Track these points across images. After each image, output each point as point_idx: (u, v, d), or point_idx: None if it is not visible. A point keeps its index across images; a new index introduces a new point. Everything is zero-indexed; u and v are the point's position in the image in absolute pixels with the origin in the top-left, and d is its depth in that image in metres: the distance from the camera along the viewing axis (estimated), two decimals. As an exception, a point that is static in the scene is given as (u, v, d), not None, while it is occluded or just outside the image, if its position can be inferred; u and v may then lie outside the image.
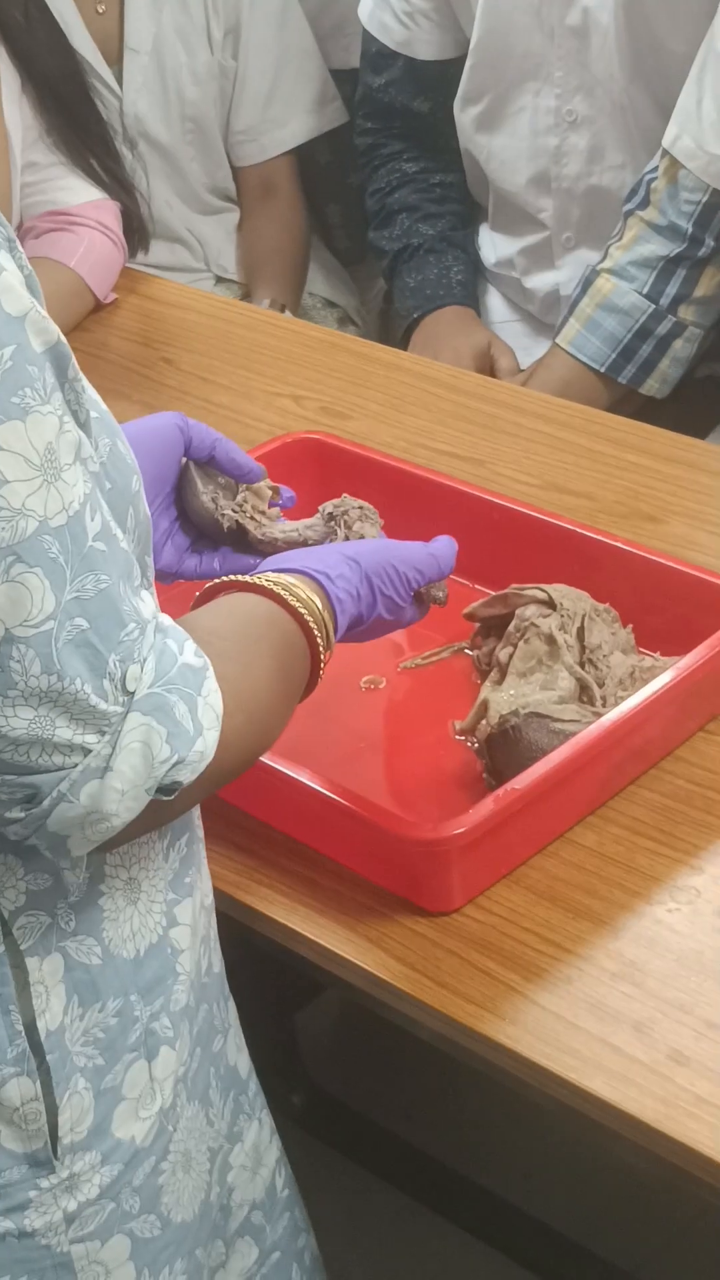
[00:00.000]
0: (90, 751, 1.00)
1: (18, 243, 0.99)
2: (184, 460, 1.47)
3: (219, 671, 1.07)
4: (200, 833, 1.24)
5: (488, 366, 2.48)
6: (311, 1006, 2.51)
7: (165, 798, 1.04)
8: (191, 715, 1.03)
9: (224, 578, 1.24)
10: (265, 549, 1.48)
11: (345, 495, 1.53)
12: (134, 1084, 1.16)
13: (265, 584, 1.21)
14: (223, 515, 1.46)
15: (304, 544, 1.49)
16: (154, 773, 1.02)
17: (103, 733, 1.00)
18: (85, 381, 1.04)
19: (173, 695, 1.02)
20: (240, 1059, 1.33)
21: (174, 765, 1.02)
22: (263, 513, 1.50)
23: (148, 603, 1.05)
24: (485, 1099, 2.41)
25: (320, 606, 1.23)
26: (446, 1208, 2.26)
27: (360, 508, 1.52)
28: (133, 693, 1.01)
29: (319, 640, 1.21)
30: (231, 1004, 1.32)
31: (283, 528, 1.50)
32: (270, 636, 1.18)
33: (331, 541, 1.49)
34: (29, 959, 1.09)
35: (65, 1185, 1.14)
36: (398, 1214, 2.27)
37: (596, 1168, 2.32)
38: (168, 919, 1.17)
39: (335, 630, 1.25)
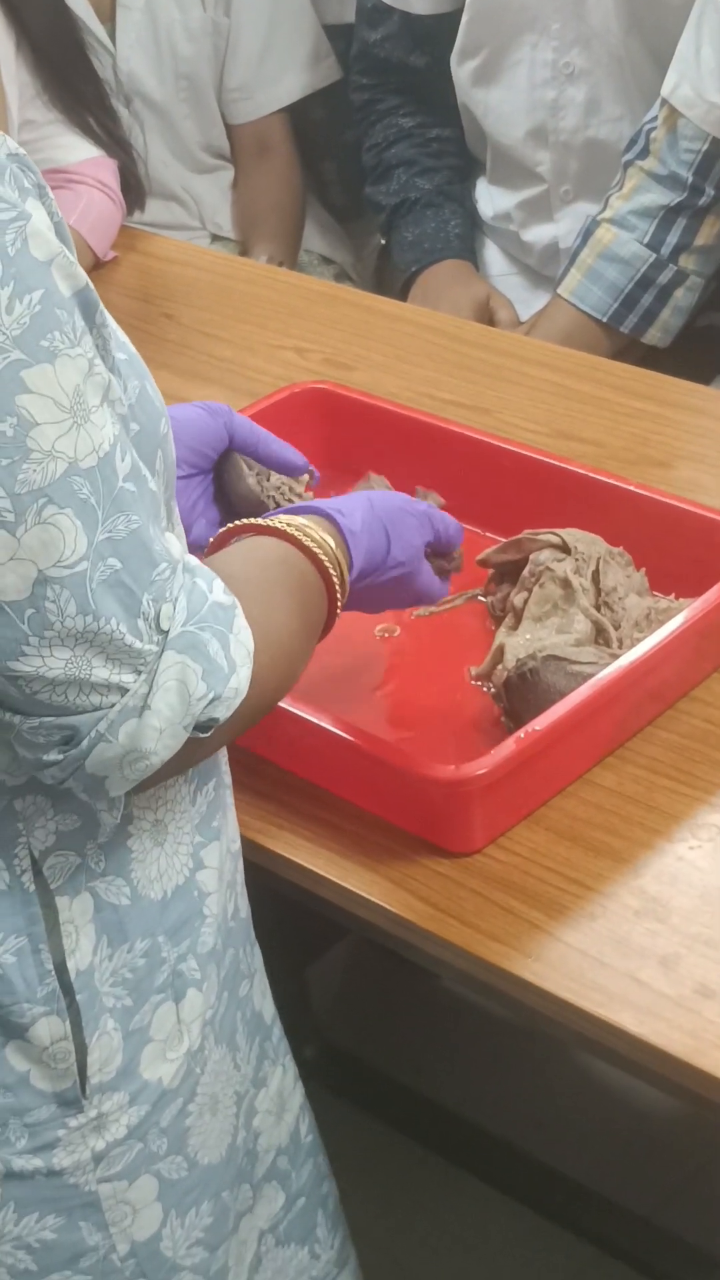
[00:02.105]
0: (127, 691, 1.01)
1: (48, 190, 0.99)
2: (230, 449, 1.53)
3: (245, 611, 1.07)
4: (228, 779, 1.25)
5: (486, 319, 2.48)
6: (320, 962, 2.52)
7: (202, 735, 1.04)
8: (225, 652, 1.04)
9: (237, 521, 1.25)
10: None
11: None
12: (161, 1025, 1.17)
13: (279, 525, 1.21)
14: (269, 498, 1.54)
15: None
16: (191, 709, 1.02)
17: (139, 672, 1.01)
18: (114, 325, 1.04)
19: (206, 633, 1.03)
20: (265, 1004, 1.34)
21: (210, 702, 1.03)
22: (300, 495, 1.57)
23: (174, 544, 1.05)
24: (495, 1051, 2.44)
25: (334, 545, 1.24)
26: (460, 1157, 2.28)
27: None
28: (167, 631, 1.02)
29: (334, 577, 1.22)
30: (257, 949, 1.33)
31: None
32: (287, 576, 1.19)
33: None
34: (59, 898, 1.10)
35: (93, 1125, 1.15)
36: (411, 1164, 2.29)
37: (608, 1116, 2.34)
38: (194, 862, 1.18)
39: (351, 566, 1.27)
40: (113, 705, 1.01)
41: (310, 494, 1.57)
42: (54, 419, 0.96)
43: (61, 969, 1.11)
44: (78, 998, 1.12)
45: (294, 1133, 1.37)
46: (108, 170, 2.41)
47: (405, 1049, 2.46)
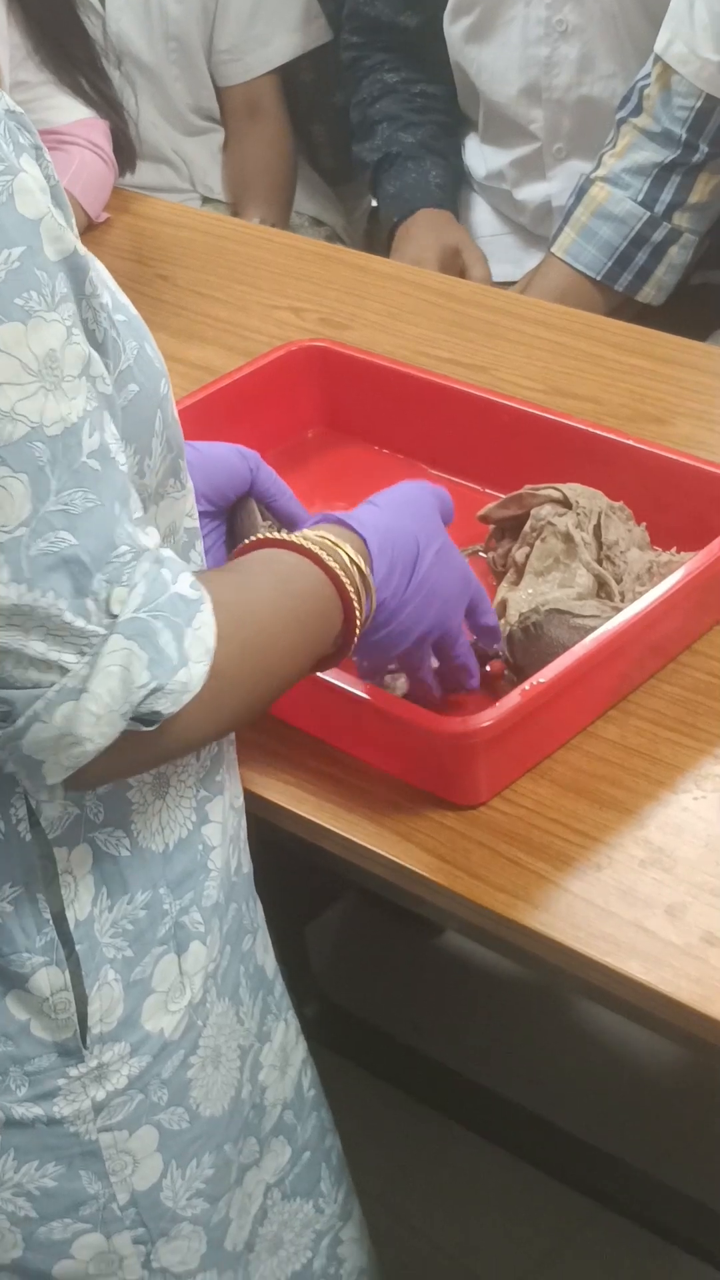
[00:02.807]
0: (68, 671, 0.99)
1: (45, 152, 0.98)
2: (246, 495, 1.49)
3: (225, 616, 1.05)
4: (232, 734, 1.25)
5: (455, 269, 2.47)
6: (319, 921, 2.53)
7: (144, 728, 1.02)
8: (177, 644, 1.01)
9: (263, 535, 1.22)
10: None
11: None
12: (164, 977, 1.18)
13: (302, 543, 1.18)
14: None
15: None
16: (130, 698, 1.00)
17: (82, 653, 0.99)
18: (113, 290, 1.03)
19: (159, 622, 1.01)
20: (267, 960, 1.35)
21: (152, 692, 1.01)
22: None
23: (151, 535, 1.03)
24: (493, 1008, 2.45)
25: (360, 568, 1.20)
26: (459, 1112, 2.29)
27: None
28: (116, 615, 1.00)
29: (353, 598, 1.18)
30: (259, 905, 1.33)
31: None
32: (294, 591, 1.16)
33: None
34: (56, 849, 1.10)
35: (94, 1075, 1.16)
36: (410, 1120, 2.30)
37: (606, 1072, 2.36)
38: (198, 815, 1.18)
39: (375, 588, 1.22)
40: (51, 684, 0.99)
41: None
42: (18, 380, 0.94)
43: (60, 919, 1.11)
44: (77, 948, 1.12)
45: (298, 1087, 1.38)
46: (99, 131, 2.41)
47: (404, 1007, 2.48)
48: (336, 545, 1.18)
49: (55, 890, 1.11)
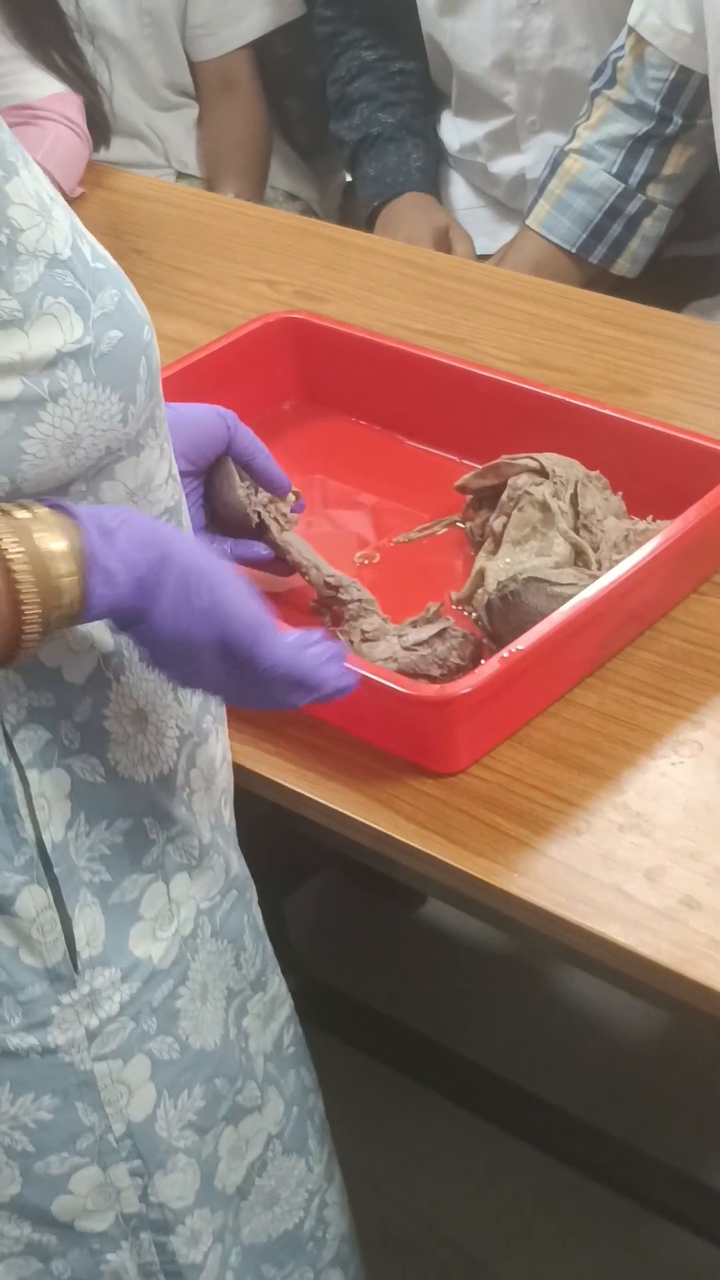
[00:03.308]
0: None
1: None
2: (224, 456, 1.49)
3: None
4: None
5: (445, 250, 2.48)
6: (297, 895, 2.54)
7: None
8: None
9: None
10: (279, 550, 1.54)
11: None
12: (151, 904, 1.18)
13: None
14: (255, 512, 1.53)
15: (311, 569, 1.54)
16: None
17: None
18: (92, 242, 1.04)
19: None
20: (259, 915, 1.35)
21: None
22: (285, 515, 1.56)
23: None
24: (471, 980, 2.46)
25: (61, 568, 0.99)
26: (438, 1084, 2.30)
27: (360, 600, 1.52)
28: None
29: (25, 598, 0.98)
30: (244, 861, 1.34)
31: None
32: None
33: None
34: (29, 771, 1.09)
35: (86, 1001, 1.16)
36: (390, 1092, 2.31)
37: (585, 1042, 2.37)
38: (183, 757, 1.18)
39: (88, 598, 1.01)
40: None
41: (297, 517, 1.57)
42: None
43: (39, 840, 1.11)
44: (55, 870, 1.12)
45: (277, 1041, 1.39)
46: (73, 106, 2.41)
47: (383, 979, 2.49)
48: (31, 529, 1.00)
49: (32, 811, 1.11)
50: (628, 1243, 2.14)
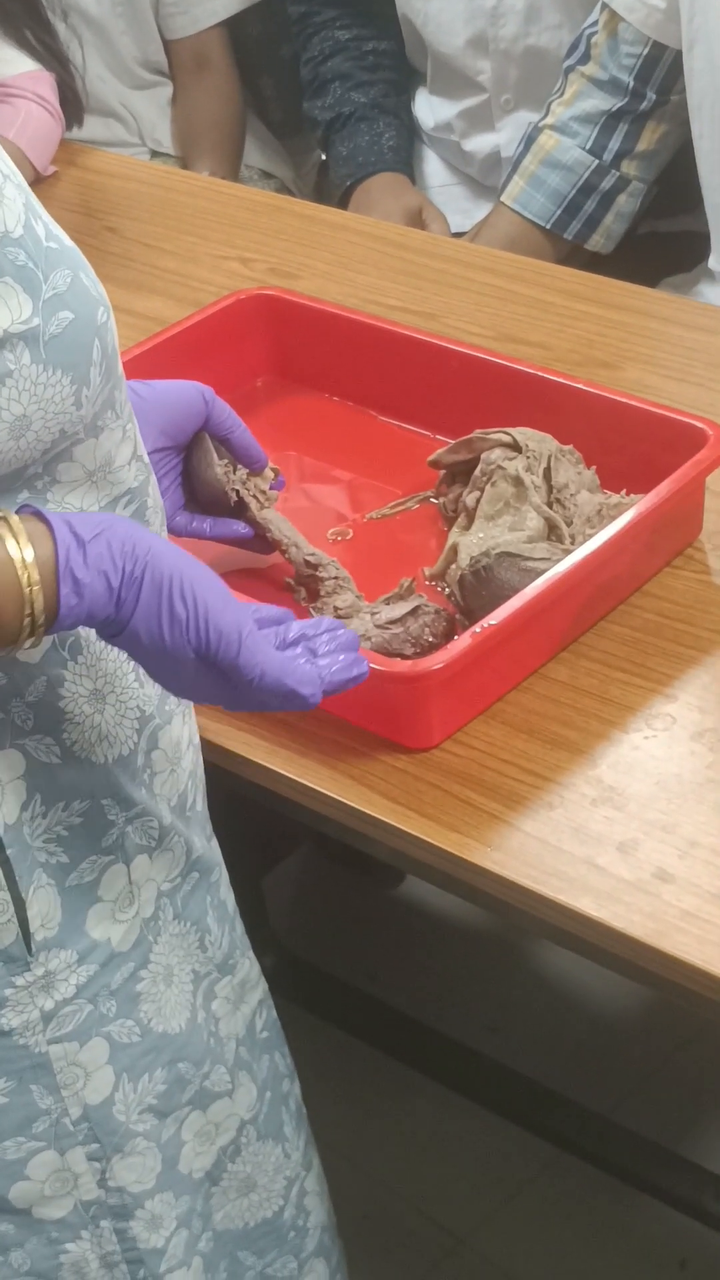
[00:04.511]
0: None
1: None
2: (201, 432, 1.48)
3: None
4: None
5: (419, 228, 2.48)
6: (274, 874, 2.54)
7: None
8: None
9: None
10: (258, 528, 1.53)
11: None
12: (111, 886, 1.18)
13: None
14: (233, 489, 1.52)
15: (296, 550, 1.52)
16: None
17: None
18: (46, 220, 1.03)
19: None
20: (229, 897, 1.35)
21: None
22: (264, 492, 1.55)
23: None
24: (449, 958, 2.46)
25: (32, 576, 0.99)
26: (417, 1060, 2.30)
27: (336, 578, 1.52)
28: None
29: None
30: (216, 844, 1.33)
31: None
32: None
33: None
34: None
35: (41, 984, 1.15)
36: (369, 1069, 2.31)
37: (563, 1019, 2.37)
38: (144, 739, 1.17)
39: (58, 608, 1.01)
40: None
41: (276, 495, 1.56)
42: None
43: None
44: (8, 851, 1.11)
45: (250, 1025, 1.38)
46: (45, 84, 2.40)
47: (361, 957, 2.49)
48: (2, 536, 0.99)
49: None
50: (608, 1217, 2.15)
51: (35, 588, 0.99)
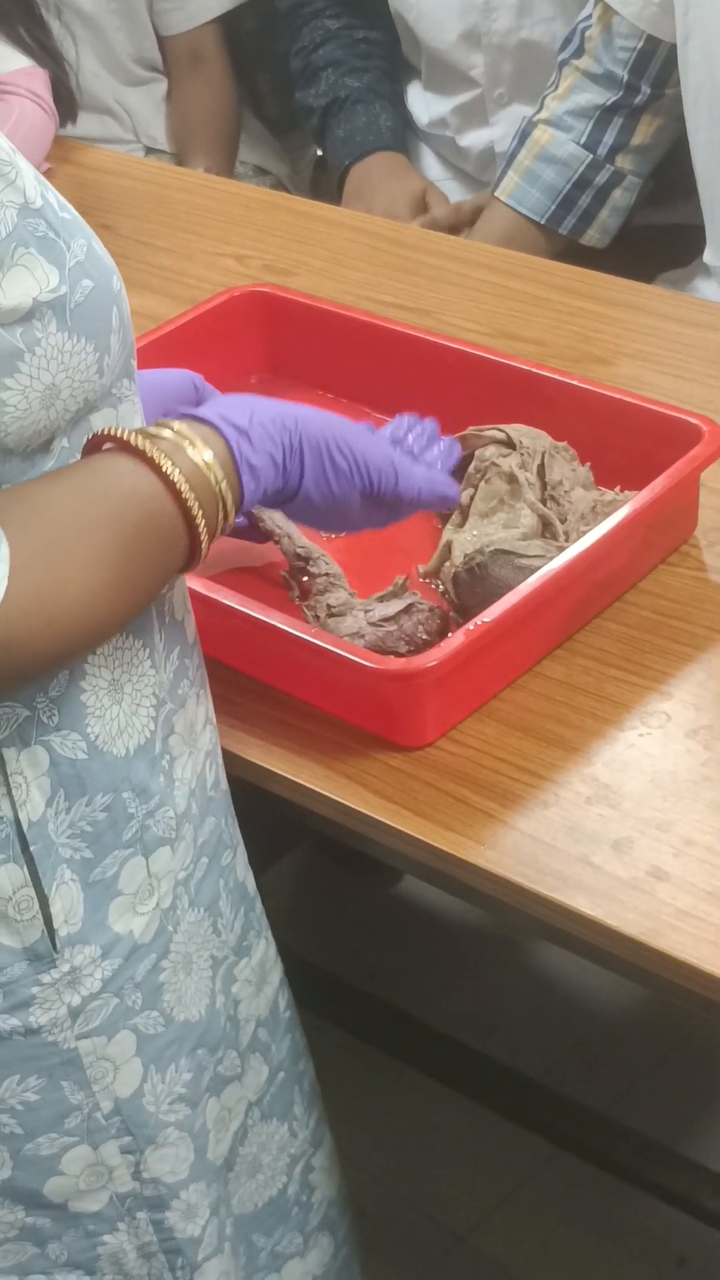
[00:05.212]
0: None
1: None
2: None
3: (20, 562, 0.98)
4: (196, 656, 1.23)
5: (423, 212, 2.47)
6: (270, 873, 2.54)
7: None
8: None
9: (107, 429, 1.08)
10: (252, 518, 1.52)
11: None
12: (131, 879, 1.17)
13: (141, 445, 1.07)
14: None
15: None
16: None
17: None
18: (54, 191, 1.04)
19: None
20: (248, 877, 1.35)
21: None
22: None
23: None
24: (446, 956, 2.46)
25: (217, 475, 1.10)
26: (415, 1058, 2.30)
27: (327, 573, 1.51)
28: None
29: (197, 516, 1.08)
30: (236, 822, 1.33)
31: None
32: (121, 512, 1.05)
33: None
34: (5, 750, 1.08)
35: (68, 980, 1.15)
36: (366, 1067, 2.31)
37: (560, 1016, 2.37)
38: (160, 725, 1.17)
39: (241, 497, 1.13)
40: None
41: None
42: None
43: (16, 818, 1.10)
44: (32, 849, 1.11)
45: (273, 1005, 1.39)
46: (39, 81, 2.39)
47: (360, 954, 2.48)
48: (179, 444, 1.09)
49: (9, 790, 1.10)
50: (606, 1214, 2.15)
51: (223, 484, 1.09)
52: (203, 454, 1.09)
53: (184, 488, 1.07)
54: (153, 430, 1.08)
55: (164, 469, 1.06)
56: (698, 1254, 2.09)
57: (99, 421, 1.08)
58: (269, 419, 1.14)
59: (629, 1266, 2.10)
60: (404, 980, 2.43)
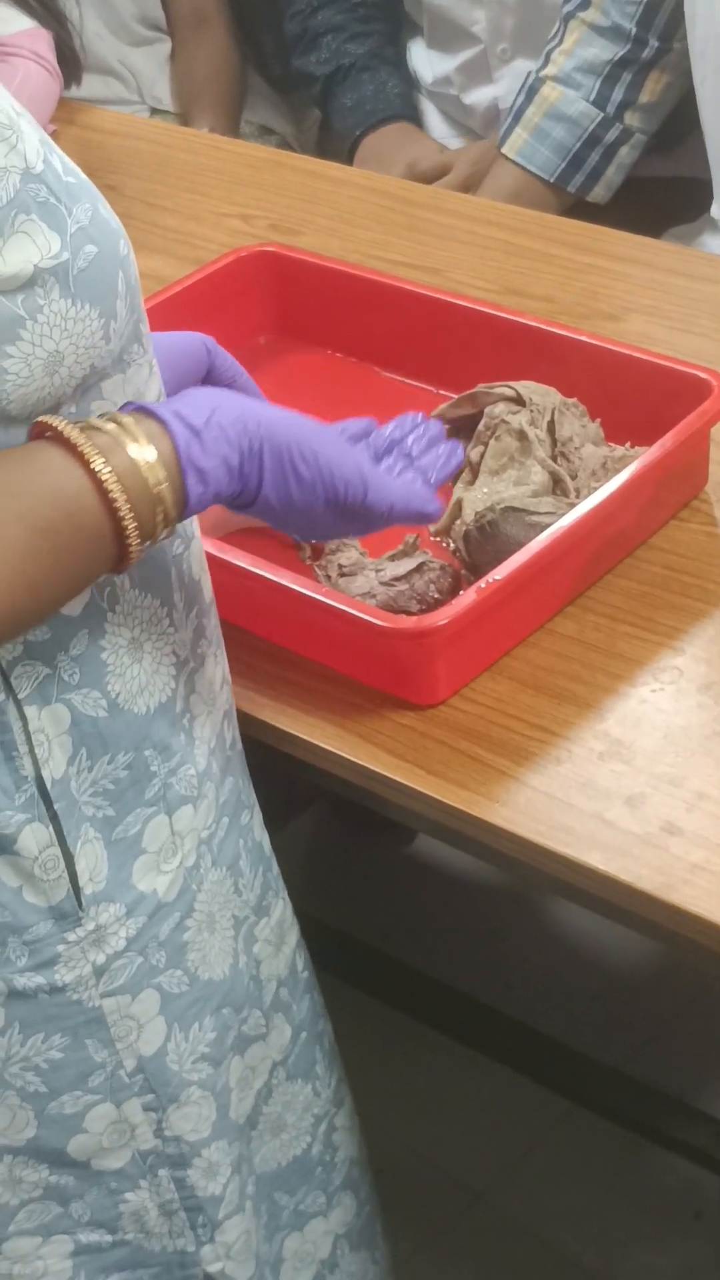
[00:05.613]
0: None
1: None
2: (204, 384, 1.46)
3: None
4: (213, 615, 1.23)
5: (442, 175, 2.46)
6: (283, 834, 2.53)
7: None
8: None
9: (47, 418, 1.02)
10: None
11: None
12: (154, 838, 1.18)
13: (75, 439, 1.00)
14: None
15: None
16: None
17: None
18: (60, 154, 1.03)
19: None
20: (264, 838, 1.36)
21: None
22: None
23: None
24: (461, 915, 2.46)
25: (158, 476, 1.02)
26: (430, 1017, 2.30)
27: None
28: None
29: (125, 518, 1.01)
30: (250, 783, 1.33)
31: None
32: (34, 511, 0.99)
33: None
34: (27, 708, 1.08)
35: (93, 938, 1.16)
36: (382, 1026, 2.31)
37: (576, 974, 2.37)
38: (181, 684, 1.17)
39: (186, 500, 1.05)
40: None
41: None
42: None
43: (39, 777, 1.10)
44: (55, 807, 1.11)
45: (291, 965, 1.39)
46: (43, 42, 2.38)
47: (374, 914, 2.49)
48: (118, 438, 1.02)
49: (31, 749, 1.10)
50: (623, 1170, 2.15)
51: (162, 486, 1.02)
52: (144, 452, 1.02)
53: (113, 487, 1.00)
54: (96, 423, 1.02)
55: (93, 465, 1.00)
56: (714, 1207, 2.10)
57: (109, 388, 1.07)
58: (229, 420, 1.07)
59: (646, 1221, 2.11)
60: (418, 940, 2.44)
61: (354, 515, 1.15)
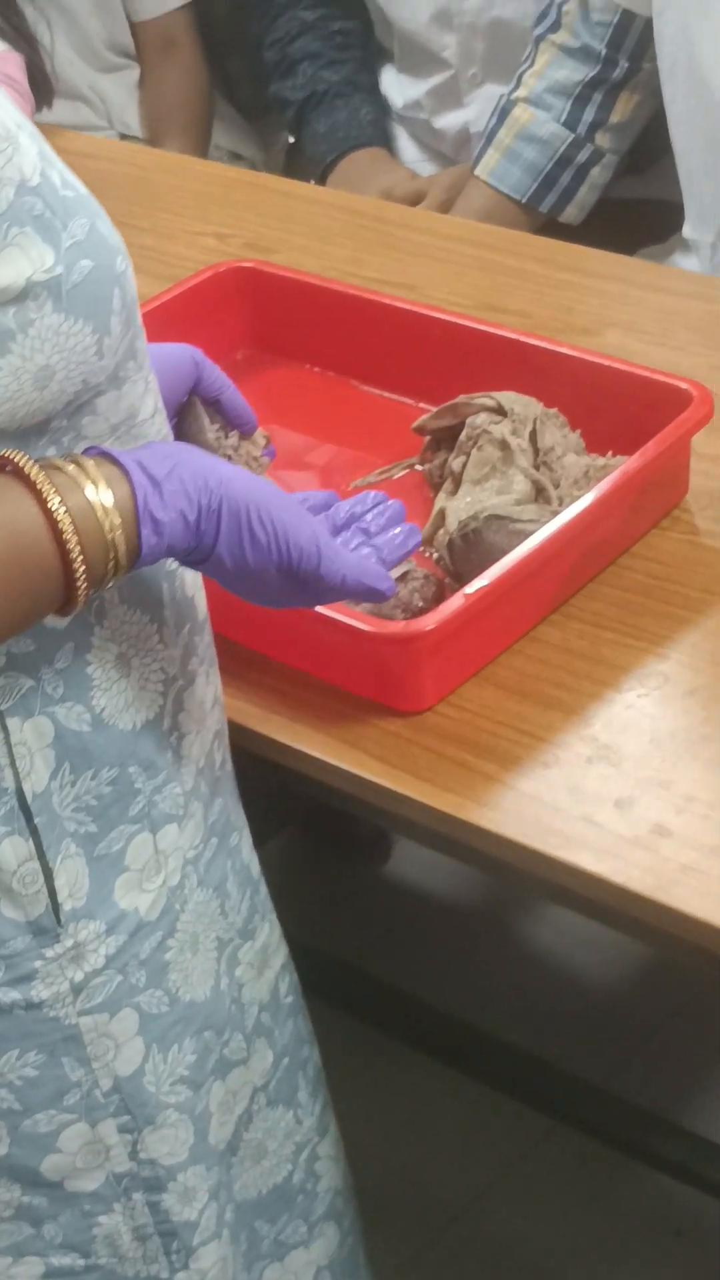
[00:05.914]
0: None
1: None
2: (192, 397, 1.45)
3: None
4: (207, 634, 1.23)
5: (414, 203, 2.47)
6: (262, 851, 2.53)
7: None
8: None
9: (9, 452, 1.01)
10: None
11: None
12: (137, 855, 1.17)
13: (33, 475, 0.99)
14: (226, 455, 1.49)
15: None
16: None
17: None
18: (61, 168, 1.03)
19: None
20: (253, 860, 1.35)
21: None
22: (256, 459, 1.53)
23: None
24: (439, 933, 2.46)
25: (113, 521, 1.01)
26: (410, 1036, 2.30)
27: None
28: None
29: (75, 560, 1.00)
30: (240, 805, 1.33)
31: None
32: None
33: None
34: (9, 719, 1.07)
35: (71, 955, 1.15)
36: (361, 1045, 2.31)
37: (554, 990, 2.37)
38: (170, 701, 1.17)
39: (140, 549, 1.04)
40: None
41: (268, 461, 1.54)
42: None
43: (19, 790, 1.09)
44: (36, 821, 1.10)
45: (274, 990, 1.38)
46: (14, 65, 2.38)
47: (351, 934, 2.48)
48: (81, 485, 1.01)
49: (12, 761, 1.09)
50: (604, 1187, 2.15)
51: (117, 532, 1.01)
52: (102, 495, 1.01)
53: (66, 527, 0.99)
54: (57, 462, 1.01)
55: (49, 504, 0.98)
56: (695, 1225, 2.10)
57: (103, 405, 1.07)
58: (190, 474, 1.05)
59: (627, 1238, 2.11)
60: (395, 958, 2.44)
61: (306, 584, 1.13)
